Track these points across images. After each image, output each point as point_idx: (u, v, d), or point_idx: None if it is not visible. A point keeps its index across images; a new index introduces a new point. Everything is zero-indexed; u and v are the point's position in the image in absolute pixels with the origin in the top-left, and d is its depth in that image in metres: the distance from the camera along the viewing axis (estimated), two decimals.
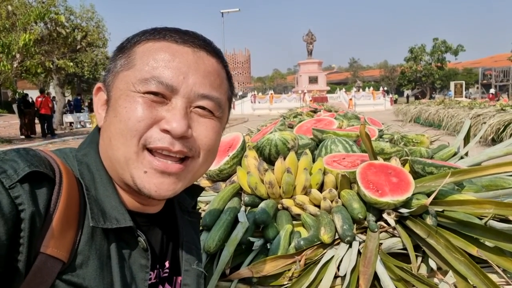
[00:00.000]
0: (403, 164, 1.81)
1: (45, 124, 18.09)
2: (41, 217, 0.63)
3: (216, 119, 0.79)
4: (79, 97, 27.74)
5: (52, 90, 24.17)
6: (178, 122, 0.71)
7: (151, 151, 0.73)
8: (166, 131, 0.71)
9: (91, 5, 22.64)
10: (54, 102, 21.52)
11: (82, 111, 25.93)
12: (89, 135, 0.84)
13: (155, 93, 0.71)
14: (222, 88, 0.80)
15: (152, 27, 0.79)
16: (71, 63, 18.07)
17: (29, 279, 0.61)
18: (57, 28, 17.44)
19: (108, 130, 0.74)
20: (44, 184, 0.65)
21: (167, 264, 0.90)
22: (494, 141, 11.13)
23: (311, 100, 26.81)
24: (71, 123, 23.67)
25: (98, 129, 0.82)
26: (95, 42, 22.82)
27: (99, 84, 0.81)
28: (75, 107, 26.06)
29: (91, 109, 22.81)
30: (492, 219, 1.41)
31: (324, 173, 1.69)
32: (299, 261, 1.35)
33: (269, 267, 1.33)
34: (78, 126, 23.86)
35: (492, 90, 30.64)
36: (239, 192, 1.74)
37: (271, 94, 36.75)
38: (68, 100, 28.44)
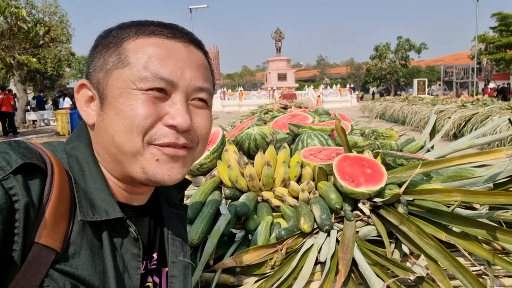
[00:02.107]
0: (375, 157, 1.89)
1: (7, 123, 17.41)
2: (35, 207, 0.64)
3: (209, 108, 0.84)
4: (41, 94, 26.81)
5: (13, 87, 23.26)
6: (183, 117, 0.74)
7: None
8: (171, 126, 0.74)
9: None
10: (16, 100, 20.72)
11: (45, 108, 25.09)
12: (76, 129, 0.85)
13: (157, 90, 0.73)
14: (210, 78, 0.84)
15: (135, 21, 0.80)
16: (34, 59, 17.43)
17: (24, 268, 0.62)
18: (18, 22, 16.82)
19: (110, 128, 0.74)
20: (36, 176, 0.66)
21: (155, 255, 0.92)
22: (455, 136, 11.59)
23: (280, 97, 26.99)
24: (34, 121, 22.86)
25: (85, 124, 0.83)
26: (58, 37, 22.07)
27: (82, 81, 0.80)
28: (37, 103, 25.17)
29: (56, 107, 22.03)
30: (459, 207, 1.51)
31: (302, 166, 1.75)
32: (281, 250, 1.40)
33: (252, 257, 1.37)
34: (42, 124, 23.07)
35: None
36: (219, 186, 1.78)
37: (241, 91, 36.77)
38: (34, 97, 27.44)
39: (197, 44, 0.82)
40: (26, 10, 17.81)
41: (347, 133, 2.23)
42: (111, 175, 0.80)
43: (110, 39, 0.77)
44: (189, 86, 0.77)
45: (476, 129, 10.68)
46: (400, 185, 1.60)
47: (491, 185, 1.56)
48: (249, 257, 1.37)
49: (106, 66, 0.76)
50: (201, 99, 0.80)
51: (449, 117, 11.53)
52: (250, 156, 1.85)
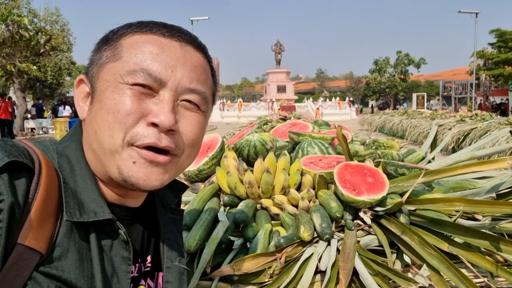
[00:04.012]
0: (376, 166, 1.87)
1: (5, 130, 17.38)
2: (20, 207, 0.62)
3: (201, 113, 0.80)
4: (40, 101, 26.83)
5: (13, 95, 23.28)
6: (166, 115, 0.71)
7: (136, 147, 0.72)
8: (153, 125, 0.71)
9: (56, 8, 22.07)
10: (15, 107, 20.72)
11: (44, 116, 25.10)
12: (71, 129, 0.83)
13: (143, 85, 0.72)
14: (207, 82, 0.81)
15: (137, 20, 0.80)
16: (35, 67, 17.50)
17: (5, 270, 0.60)
18: (20, 30, 16.93)
19: (94, 122, 0.73)
20: (23, 174, 0.64)
21: (149, 258, 0.90)
22: (454, 151, 11.58)
23: (279, 109, 27.07)
24: (32, 129, 22.84)
25: (81, 123, 0.81)
26: (59, 46, 22.18)
27: (81, 76, 0.80)
28: (37, 111, 25.16)
29: (54, 115, 22.03)
30: (460, 218, 1.48)
31: (302, 174, 1.72)
32: (280, 258, 1.37)
33: (250, 265, 1.34)
34: (41, 132, 23.04)
35: None
36: (218, 193, 1.76)
37: (240, 102, 36.91)
38: (33, 104, 27.47)
39: (198, 46, 0.80)
40: (28, 18, 17.91)
41: (348, 142, 2.21)
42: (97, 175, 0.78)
43: (110, 36, 0.78)
44: (179, 85, 0.74)
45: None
46: (401, 195, 1.58)
47: (494, 195, 1.53)
48: (247, 265, 1.34)
49: (100, 60, 0.76)
50: (191, 101, 0.77)
51: (450, 129, 11.53)
52: (250, 163, 1.83)
